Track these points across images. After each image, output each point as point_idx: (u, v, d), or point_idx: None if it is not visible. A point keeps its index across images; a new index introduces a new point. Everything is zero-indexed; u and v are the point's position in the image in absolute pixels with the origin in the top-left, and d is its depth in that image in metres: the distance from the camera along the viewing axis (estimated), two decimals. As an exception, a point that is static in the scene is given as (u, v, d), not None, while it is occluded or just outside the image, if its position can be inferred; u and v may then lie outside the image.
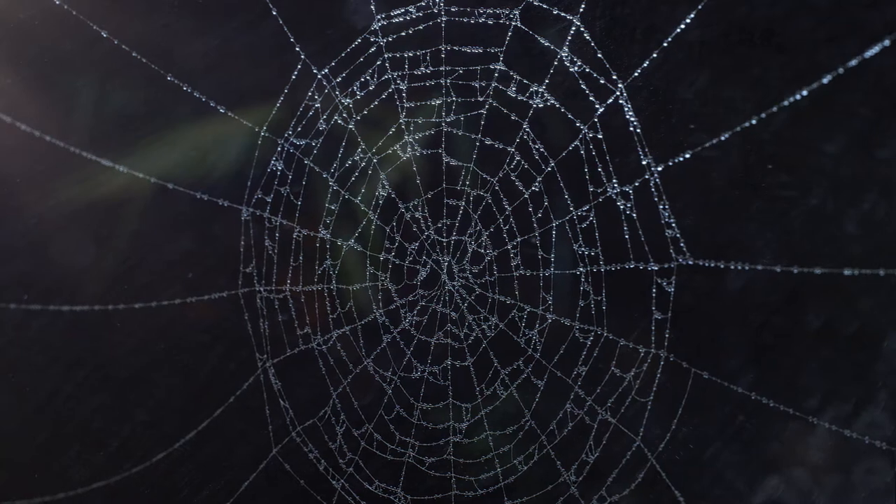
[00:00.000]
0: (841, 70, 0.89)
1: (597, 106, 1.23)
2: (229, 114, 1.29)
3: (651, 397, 1.39)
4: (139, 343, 1.35)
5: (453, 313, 1.40)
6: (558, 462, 1.42)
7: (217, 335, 1.42)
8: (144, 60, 1.22)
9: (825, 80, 0.91)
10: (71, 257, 1.35)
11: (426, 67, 1.30)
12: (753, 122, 1.04)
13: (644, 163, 1.17)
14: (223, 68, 1.38)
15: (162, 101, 1.30)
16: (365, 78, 1.31)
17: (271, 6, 1.24)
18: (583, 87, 1.23)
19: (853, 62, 0.90)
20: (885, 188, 1.33)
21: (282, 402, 1.36)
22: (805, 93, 0.93)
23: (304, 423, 1.39)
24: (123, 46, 1.20)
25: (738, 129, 1.17)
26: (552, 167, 1.30)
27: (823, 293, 1.37)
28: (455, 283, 1.39)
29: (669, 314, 1.29)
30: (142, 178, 1.29)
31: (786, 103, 0.94)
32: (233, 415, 1.38)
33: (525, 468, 1.40)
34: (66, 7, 1.18)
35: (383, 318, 1.41)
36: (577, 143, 1.26)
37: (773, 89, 1.28)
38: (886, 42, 0.89)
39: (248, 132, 1.35)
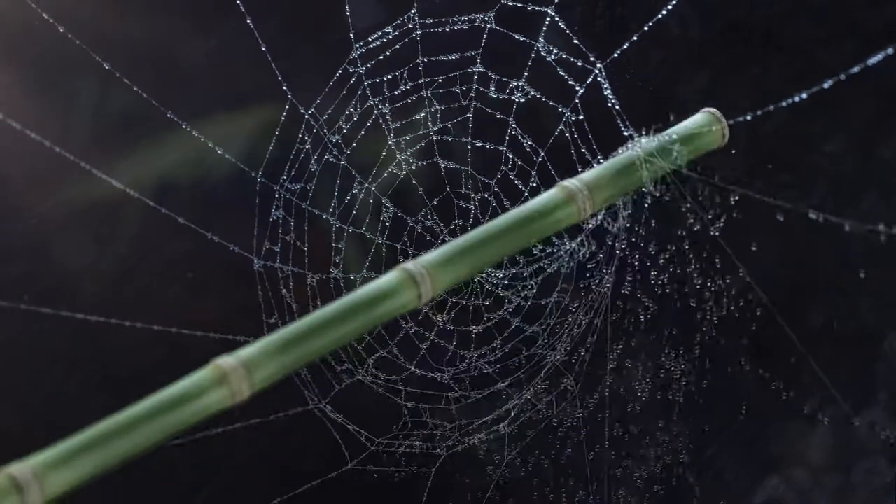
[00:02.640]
0: (843, 76, 0.89)
1: (577, 88, 1.23)
2: (226, 154, 1.30)
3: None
4: (139, 343, 1.35)
5: (486, 301, 1.40)
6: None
7: (218, 335, 1.43)
8: (121, 73, 1.22)
9: (826, 85, 0.90)
10: (71, 257, 1.36)
11: (405, 84, 1.30)
12: (748, 117, 1.04)
13: (626, 134, 1.17)
14: (216, 77, 1.39)
15: (161, 103, 1.31)
16: (349, 110, 1.31)
17: (261, 42, 1.24)
18: (561, 73, 1.22)
19: (855, 69, 0.89)
20: (884, 188, 1.33)
21: (350, 426, 1.37)
22: (805, 95, 0.92)
23: (382, 436, 1.40)
24: (101, 61, 1.20)
25: (733, 122, 1.17)
26: (543, 157, 1.30)
27: (823, 293, 1.38)
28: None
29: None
30: (141, 179, 1.30)
31: (784, 104, 0.93)
32: (234, 415, 1.39)
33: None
34: (51, 21, 1.18)
35: (415, 329, 1.41)
36: (561, 126, 1.25)
37: (773, 89, 1.28)
38: (890, 50, 0.89)
39: (247, 132, 1.35)
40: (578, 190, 0.84)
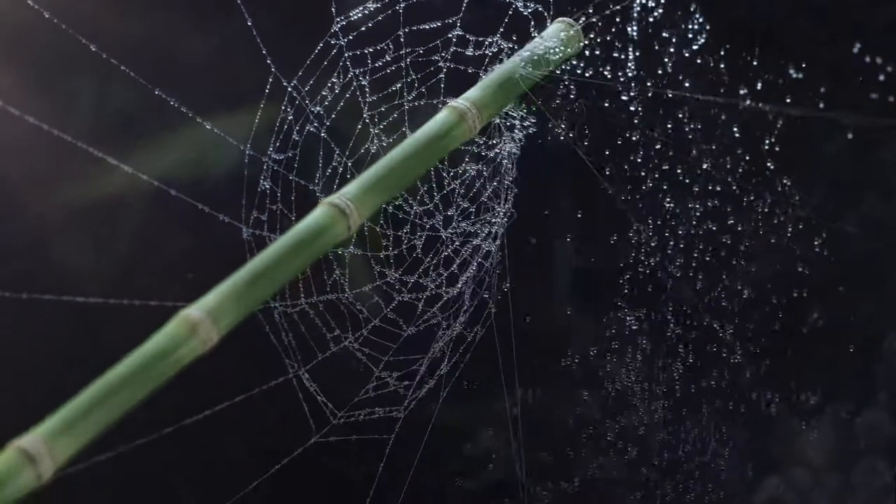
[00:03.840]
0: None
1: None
2: (216, 131, 1.30)
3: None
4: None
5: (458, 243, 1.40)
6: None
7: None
8: (116, 61, 1.23)
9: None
10: (71, 257, 1.36)
11: (388, 55, 1.30)
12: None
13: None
14: (210, 75, 1.39)
15: (161, 102, 1.31)
16: (331, 81, 1.32)
17: (246, 16, 1.25)
18: (533, 29, 1.22)
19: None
20: (885, 188, 1.33)
21: (320, 398, 1.37)
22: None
23: (344, 408, 1.40)
24: (87, 42, 1.20)
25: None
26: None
27: (823, 293, 1.38)
28: (451, 228, 1.39)
29: None
30: (142, 178, 1.30)
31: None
32: (230, 411, 1.39)
33: None
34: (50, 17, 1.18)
35: (410, 296, 1.41)
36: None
37: (773, 88, 1.28)
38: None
39: (244, 131, 1.36)
40: (467, 109, 0.93)
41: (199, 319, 0.77)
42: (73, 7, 1.29)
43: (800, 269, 1.33)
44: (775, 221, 1.33)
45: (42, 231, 1.34)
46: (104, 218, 1.36)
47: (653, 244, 1.31)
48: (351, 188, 0.87)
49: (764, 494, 1.47)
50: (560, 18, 1.01)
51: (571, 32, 1.01)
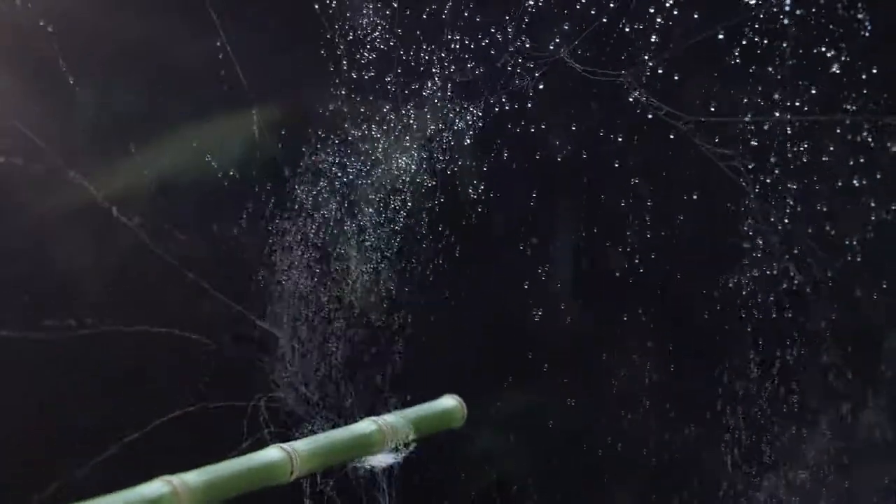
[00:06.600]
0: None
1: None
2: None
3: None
4: (138, 343, 1.36)
5: None
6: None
7: (217, 335, 1.43)
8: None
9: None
10: (71, 258, 1.36)
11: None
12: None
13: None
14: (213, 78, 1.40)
15: (161, 103, 1.31)
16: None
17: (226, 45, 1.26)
18: None
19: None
20: (886, 188, 1.33)
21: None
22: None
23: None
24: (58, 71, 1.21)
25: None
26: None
27: (824, 293, 1.37)
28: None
29: None
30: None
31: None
32: (225, 414, 1.40)
33: None
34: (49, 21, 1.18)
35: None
36: None
37: (773, 88, 1.28)
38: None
39: (247, 132, 1.36)
40: (388, 429, 1.16)
41: (183, 490, 0.90)
42: (72, 10, 1.29)
43: (800, 269, 1.33)
44: (779, 220, 1.33)
45: (42, 231, 1.34)
46: (104, 218, 1.37)
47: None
48: (302, 447, 1.06)
49: (764, 494, 1.47)
50: (451, 395, 1.23)
51: (458, 405, 1.25)
